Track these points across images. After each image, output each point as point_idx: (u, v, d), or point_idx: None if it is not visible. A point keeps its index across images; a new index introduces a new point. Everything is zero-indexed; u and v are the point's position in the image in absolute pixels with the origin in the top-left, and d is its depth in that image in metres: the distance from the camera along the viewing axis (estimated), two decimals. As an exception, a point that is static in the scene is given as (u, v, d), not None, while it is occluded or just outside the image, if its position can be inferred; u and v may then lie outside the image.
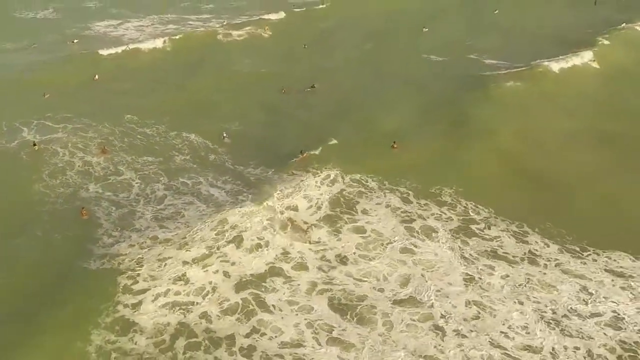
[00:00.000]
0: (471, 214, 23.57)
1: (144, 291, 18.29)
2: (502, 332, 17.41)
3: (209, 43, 45.31)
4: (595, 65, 39.62)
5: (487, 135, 29.32)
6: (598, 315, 18.04)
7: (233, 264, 19.97)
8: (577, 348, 16.85)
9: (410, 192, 24.82)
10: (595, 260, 20.62)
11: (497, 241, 21.91)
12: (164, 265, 19.44)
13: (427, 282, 19.61)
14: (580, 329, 17.47)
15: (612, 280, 19.61)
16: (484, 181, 25.67)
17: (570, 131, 30.54)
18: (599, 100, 35.01)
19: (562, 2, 58.90)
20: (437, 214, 23.60)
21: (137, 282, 18.69)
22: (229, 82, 38.40)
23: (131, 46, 44.05)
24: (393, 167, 26.13)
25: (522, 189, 25.33)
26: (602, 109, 33.75)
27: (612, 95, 35.92)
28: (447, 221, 23.11)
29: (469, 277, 19.93)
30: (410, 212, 23.57)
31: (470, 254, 21.12)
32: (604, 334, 17.28)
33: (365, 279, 19.73)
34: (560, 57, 39.86)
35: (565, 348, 16.80)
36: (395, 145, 27.91)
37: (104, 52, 43.10)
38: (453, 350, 16.63)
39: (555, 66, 38.57)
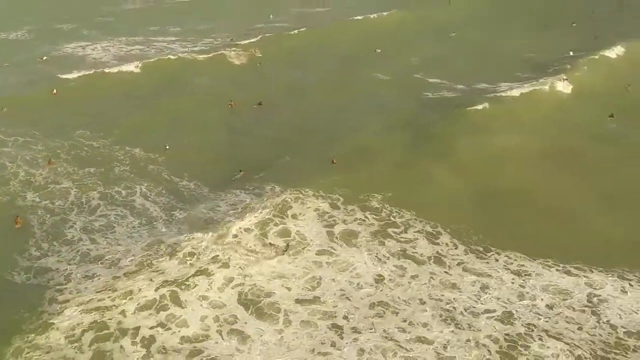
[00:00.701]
0: (392, 218, 24.53)
1: (67, 301, 18.93)
2: (399, 327, 18.26)
3: (175, 66, 46.43)
4: (563, 90, 39.68)
5: (426, 149, 30.44)
6: (491, 311, 18.97)
7: (162, 272, 20.54)
8: (468, 340, 17.74)
9: (340, 198, 25.77)
10: (497, 260, 21.70)
11: (412, 243, 22.88)
12: (91, 280, 20.18)
13: (335, 283, 20.48)
14: (473, 324, 18.38)
15: (512, 279, 20.61)
16: (412, 187, 26.68)
17: (521, 149, 30.80)
18: (561, 123, 34.68)
19: (528, 24, 60.05)
20: (360, 218, 24.54)
21: (63, 293, 19.42)
22: (184, 100, 39.50)
23: (96, 69, 45.27)
24: (330, 180, 27.04)
25: (447, 194, 26.36)
26: (563, 130, 33.48)
27: (577, 119, 35.52)
28: (369, 225, 24.06)
29: (380, 277, 20.84)
30: (336, 217, 24.48)
31: (384, 255, 22.07)
32: (493, 327, 18.19)
33: (278, 279, 20.56)
34: (524, 82, 40.69)
35: (457, 340, 17.69)
36: (334, 161, 29.00)
37: (68, 70, 44.30)
38: (347, 347, 17.39)
39: (517, 91, 38.72)
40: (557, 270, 21.04)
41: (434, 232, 23.67)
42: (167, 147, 31.12)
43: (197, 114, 36.70)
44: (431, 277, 20.88)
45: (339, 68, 46.91)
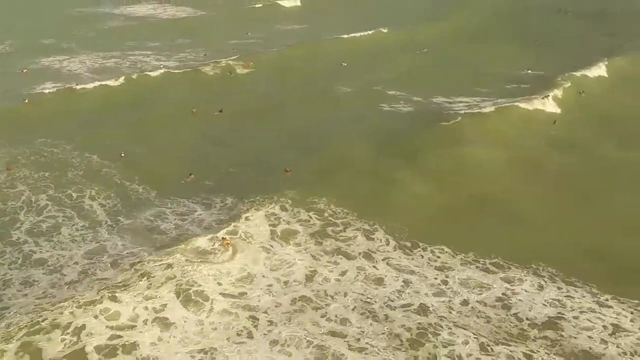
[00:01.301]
0: (333, 219, 25.30)
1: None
2: (316, 321, 18.95)
3: (148, 80, 47.50)
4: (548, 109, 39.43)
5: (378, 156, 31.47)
6: (409, 305, 19.73)
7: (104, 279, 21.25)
8: (383, 332, 18.46)
9: (289, 201, 26.48)
10: (422, 256, 22.57)
11: (349, 241, 23.66)
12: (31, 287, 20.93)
13: (266, 279, 21.23)
14: (390, 316, 19.13)
15: (435, 275, 21.41)
16: (356, 190, 27.55)
17: (480, 160, 31.24)
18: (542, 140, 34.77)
19: (498, 41, 61.26)
20: (304, 219, 25.33)
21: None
22: (151, 111, 40.57)
23: (70, 82, 46.51)
24: (283, 186, 27.94)
25: (390, 196, 27.26)
26: (521, 142, 34.02)
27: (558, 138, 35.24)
28: (310, 226, 24.82)
29: (311, 274, 21.59)
30: (281, 218, 25.22)
31: (319, 253, 22.85)
32: (408, 318, 18.95)
33: (212, 274, 21.26)
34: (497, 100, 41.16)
35: (372, 331, 18.40)
36: (287, 170, 29.93)
37: (44, 82, 45.55)
38: (262, 337, 18.12)
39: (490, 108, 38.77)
40: (477, 267, 21.81)
41: (371, 229, 24.45)
42: (123, 155, 31.96)
43: (160, 122, 37.77)
44: (358, 273, 21.61)
45: (309, 82, 47.93)
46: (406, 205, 26.34)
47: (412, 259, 22.45)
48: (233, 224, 24.24)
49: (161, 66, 52.21)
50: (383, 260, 22.36)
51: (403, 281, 21.12)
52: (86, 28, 73.54)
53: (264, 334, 18.27)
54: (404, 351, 17.55)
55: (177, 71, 50.01)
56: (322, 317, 19.26)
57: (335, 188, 27.68)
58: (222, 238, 23.36)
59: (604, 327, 18.43)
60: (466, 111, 38.37)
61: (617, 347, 17.55)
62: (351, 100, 43.23)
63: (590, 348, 17.50)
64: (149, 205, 27.03)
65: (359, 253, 22.93)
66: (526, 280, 21.11)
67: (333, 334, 18.38)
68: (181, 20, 79.37)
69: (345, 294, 20.45)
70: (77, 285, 20.88)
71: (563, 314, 19.07)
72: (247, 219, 24.79)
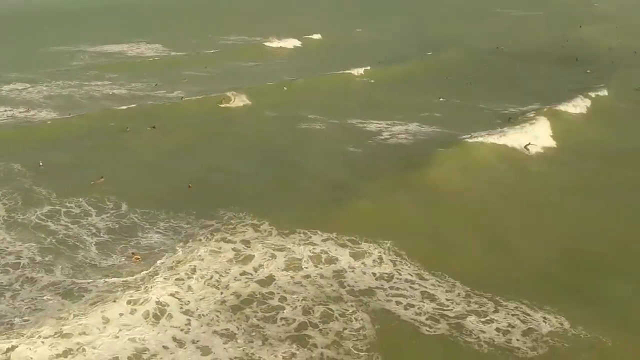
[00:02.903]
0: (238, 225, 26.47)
1: None
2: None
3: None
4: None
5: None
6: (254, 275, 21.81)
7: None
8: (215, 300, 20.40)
9: (194, 212, 28.07)
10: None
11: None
12: None
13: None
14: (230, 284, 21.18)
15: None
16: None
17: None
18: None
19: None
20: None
21: None
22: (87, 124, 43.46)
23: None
24: (183, 199, 29.65)
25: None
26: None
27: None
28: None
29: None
30: (183, 227, 26.60)
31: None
32: (248, 286, 21.00)
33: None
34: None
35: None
36: (190, 186, 31.52)
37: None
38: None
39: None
40: (335, 242, 24.01)
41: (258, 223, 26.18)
42: (41, 164, 34.36)
43: (92, 136, 40.43)
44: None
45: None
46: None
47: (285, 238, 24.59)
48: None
49: (111, 92, 55.67)
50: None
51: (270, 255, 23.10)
52: (55, 63, 77.24)
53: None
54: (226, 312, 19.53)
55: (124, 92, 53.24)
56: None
57: (251, 199, 29.37)
58: (132, 253, 23.80)
59: (416, 295, 20.45)
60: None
61: (418, 309, 19.58)
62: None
63: (394, 310, 19.56)
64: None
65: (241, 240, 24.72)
66: (371, 255, 23.13)
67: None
68: (147, 57, 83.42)
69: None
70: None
71: (383, 285, 21.12)
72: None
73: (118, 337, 17.89)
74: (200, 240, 24.72)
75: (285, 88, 56.78)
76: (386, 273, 21.95)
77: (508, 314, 19.19)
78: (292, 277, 21.80)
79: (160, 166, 35.42)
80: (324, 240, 24.43)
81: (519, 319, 18.84)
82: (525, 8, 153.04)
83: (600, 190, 30.22)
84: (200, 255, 23.00)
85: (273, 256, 23.19)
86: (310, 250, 23.57)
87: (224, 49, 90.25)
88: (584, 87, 52.81)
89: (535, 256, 23.40)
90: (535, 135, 37.98)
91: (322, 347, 17.68)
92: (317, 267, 22.50)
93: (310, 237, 24.70)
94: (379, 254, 23.23)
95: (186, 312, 19.51)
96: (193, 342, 18.01)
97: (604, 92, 50.89)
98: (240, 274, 21.99)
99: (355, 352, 17.47)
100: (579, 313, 19.01)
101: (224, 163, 35.37)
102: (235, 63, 77.71)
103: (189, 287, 20.87)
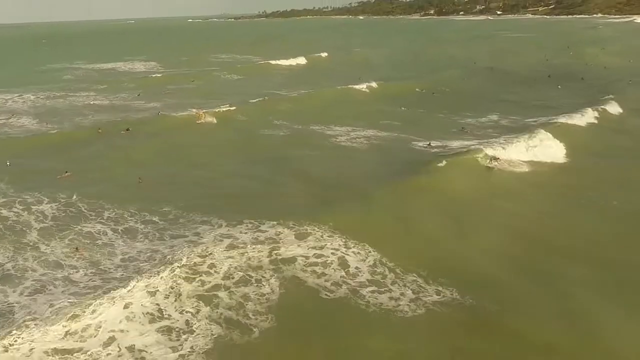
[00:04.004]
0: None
1: None
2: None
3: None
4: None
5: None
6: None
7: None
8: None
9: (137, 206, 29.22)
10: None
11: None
12: None
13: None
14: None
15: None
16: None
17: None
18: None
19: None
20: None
21: None
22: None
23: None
24: (134, 195, 30.83)
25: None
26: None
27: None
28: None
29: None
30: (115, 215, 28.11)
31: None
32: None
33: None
34: None
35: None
36: (140, 180, 33.20)
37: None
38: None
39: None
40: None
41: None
42: (8, 163, 35.90)
43: (63, 139, 42.31)
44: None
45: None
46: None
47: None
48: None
49: (92, 103, 58.11)
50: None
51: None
52: (47, 77, 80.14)
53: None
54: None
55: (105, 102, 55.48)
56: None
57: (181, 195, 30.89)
58: (76, 248, 24.06)
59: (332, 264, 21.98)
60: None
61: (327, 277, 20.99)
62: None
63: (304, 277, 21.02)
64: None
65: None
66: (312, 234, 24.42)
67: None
68: (136, 72, 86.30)
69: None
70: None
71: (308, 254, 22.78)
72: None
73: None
74: (138, 230, 26.06)
75: (266, 97, 58.60)
76: (318, 245, 23.28)
77: (405, 285, 20.45)
78: (228, 251, 22.79)
79: (121, 164, 37.15)
80: (270, 227, 25.26)
81: (410, 289, 20.15)
82: (526, 31, 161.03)
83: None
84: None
85: (220, 240, 23.96)
86: (253, 236, 24.41)
87: (223, 66, 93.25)
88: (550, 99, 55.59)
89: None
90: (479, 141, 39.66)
91: (224, 308, 18.99)
92: (255, 246, 23.31)
93: (258, 226, 25.47)
94: (319, 233, 24.42)
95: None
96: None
97: (572, 100, 53.13)
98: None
99: (253, 313, 18.75)
100: (468, 286, 20.20)
101: (183, 165, 36.89)
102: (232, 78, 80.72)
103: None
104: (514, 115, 49.63)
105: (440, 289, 20.06)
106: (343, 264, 21.93)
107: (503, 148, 36.26)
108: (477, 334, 17.59)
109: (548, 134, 39.42)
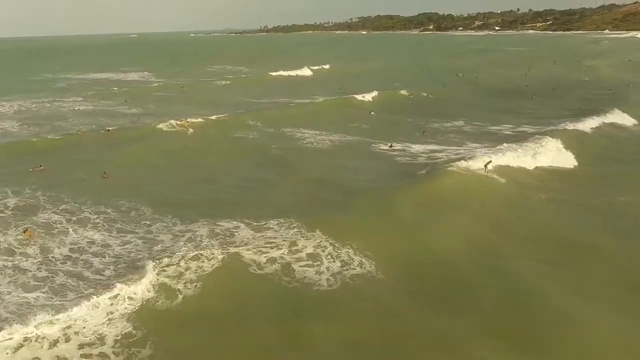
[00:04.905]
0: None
1: None
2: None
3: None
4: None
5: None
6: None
7: None
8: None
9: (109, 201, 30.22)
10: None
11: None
12: None
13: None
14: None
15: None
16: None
17: None
18: None
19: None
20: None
21: None
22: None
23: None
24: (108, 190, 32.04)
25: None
26: None
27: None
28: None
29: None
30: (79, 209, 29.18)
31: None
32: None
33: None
34: None
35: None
36: (105, 176, 34.20)
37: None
38: None
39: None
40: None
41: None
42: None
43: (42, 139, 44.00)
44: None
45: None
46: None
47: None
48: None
49: (76, 108, 60.12)
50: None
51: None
52: (38, 86, 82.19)
53: None
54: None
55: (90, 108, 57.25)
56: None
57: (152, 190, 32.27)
58: (26, 228, 25.65)
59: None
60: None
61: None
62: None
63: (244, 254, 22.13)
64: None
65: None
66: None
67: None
68: (128, 81, 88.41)
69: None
70: None
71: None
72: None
73: None
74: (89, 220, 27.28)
75: (248, 108, 60.02)
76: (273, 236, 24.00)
77: (334, 259, 21.73)
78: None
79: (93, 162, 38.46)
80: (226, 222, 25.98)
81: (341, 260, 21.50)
82: (527, 45, 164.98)
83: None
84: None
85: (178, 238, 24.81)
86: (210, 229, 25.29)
87: (217, 76, 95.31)
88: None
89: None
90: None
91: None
92: (212, 239, 24.09)
93: (217, 222, 26.11)
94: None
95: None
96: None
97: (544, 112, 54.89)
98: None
99: (183, 285, 19.77)
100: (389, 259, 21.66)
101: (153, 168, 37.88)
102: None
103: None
104: (479, 121, 51.13)
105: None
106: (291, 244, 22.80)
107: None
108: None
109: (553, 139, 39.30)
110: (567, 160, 36.52)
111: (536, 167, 35.08)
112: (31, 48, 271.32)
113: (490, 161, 33.13)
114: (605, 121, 47.28)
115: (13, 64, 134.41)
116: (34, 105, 63.10)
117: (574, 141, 39.90)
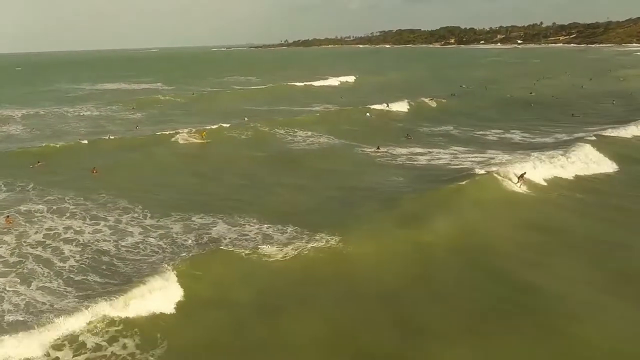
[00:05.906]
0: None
1: None
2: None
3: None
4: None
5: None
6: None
7: None
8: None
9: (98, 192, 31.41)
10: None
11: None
12: None
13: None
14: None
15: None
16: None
17: None
18: None
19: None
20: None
21: None
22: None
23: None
24: (94, 185, 33.08)
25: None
26: None
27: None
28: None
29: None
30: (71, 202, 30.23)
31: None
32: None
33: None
34: None
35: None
36: (95, 171, 35.48)
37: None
38: None
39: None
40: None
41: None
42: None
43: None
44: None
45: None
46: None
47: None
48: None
49: (81, 114, 61.74)
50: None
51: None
52: (49, 95, 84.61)
53: None
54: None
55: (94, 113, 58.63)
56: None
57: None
58: (7, 216, 26.57)
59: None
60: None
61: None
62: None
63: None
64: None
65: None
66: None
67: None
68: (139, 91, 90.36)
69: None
70: None
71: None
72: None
73: None
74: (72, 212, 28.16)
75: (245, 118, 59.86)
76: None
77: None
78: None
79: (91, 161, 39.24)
80: (199, 218, 26.80)
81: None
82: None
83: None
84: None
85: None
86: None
87: (225, 86, 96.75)
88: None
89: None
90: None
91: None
92: (190, 234, 24.80)
93: (190, 217, 26.92)
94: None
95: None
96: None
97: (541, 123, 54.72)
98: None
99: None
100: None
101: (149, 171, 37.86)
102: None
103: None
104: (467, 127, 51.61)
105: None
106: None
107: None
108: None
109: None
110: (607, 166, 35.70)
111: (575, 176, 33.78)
112: (50, 61, 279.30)
113: (525, 173, 31.31)
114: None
115: (25, 78, 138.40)
116: (40, 110, 65.54)
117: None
